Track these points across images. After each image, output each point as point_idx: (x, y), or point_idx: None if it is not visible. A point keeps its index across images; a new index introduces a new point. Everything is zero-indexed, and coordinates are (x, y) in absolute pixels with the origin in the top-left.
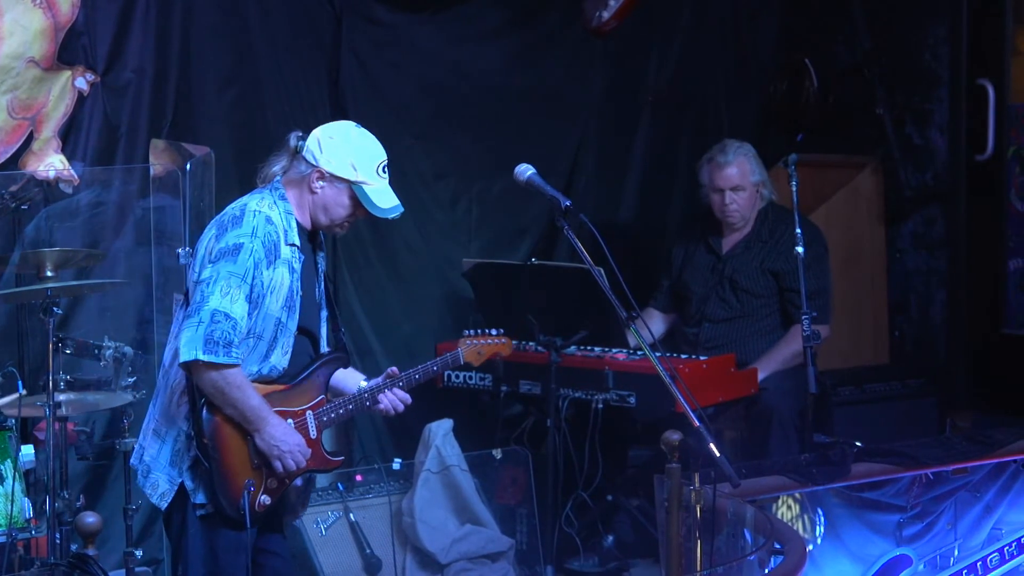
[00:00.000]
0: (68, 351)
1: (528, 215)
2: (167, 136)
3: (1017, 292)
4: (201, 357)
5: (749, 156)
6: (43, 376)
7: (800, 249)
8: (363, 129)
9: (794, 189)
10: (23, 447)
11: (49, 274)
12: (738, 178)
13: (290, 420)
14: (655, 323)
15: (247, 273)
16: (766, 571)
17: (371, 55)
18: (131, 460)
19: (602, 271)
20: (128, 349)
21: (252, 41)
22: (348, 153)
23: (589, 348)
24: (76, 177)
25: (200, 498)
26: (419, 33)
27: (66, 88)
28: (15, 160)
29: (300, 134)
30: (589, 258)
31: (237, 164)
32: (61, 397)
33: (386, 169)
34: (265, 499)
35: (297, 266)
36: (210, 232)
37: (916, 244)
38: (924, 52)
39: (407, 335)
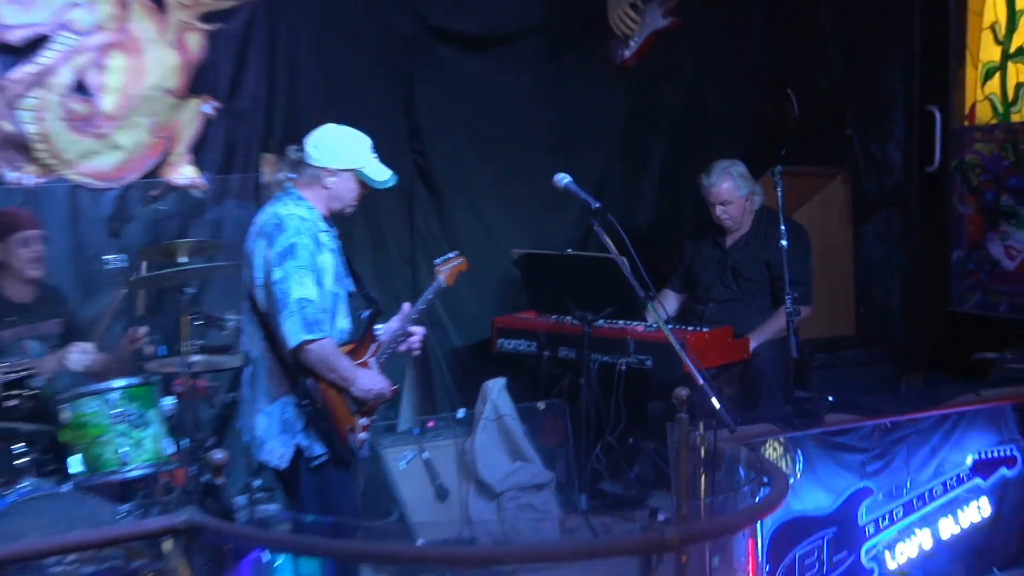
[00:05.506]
0: (199, 322)
1: (566, 215)
2: (275, 151)
3: (959, 278)
4: (306, 337)
5: (733, 175)
6: (179, 342)
7: (784, 243)
8: (344, 126)
9: (779, 194)
10: (165, 398)
11: (183, 260)
12: (724, 195)
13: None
14: (670, 301)
15: (309, 263)
16: (756, 500)
17: (437, 84)
18: (243, 439)
19: (625, 260)
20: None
21: (343, 75)
22: (344, 148)
23: (614, 321)
24: (204, 184)
25: (316, 450)
26: (474, 67)
27: (195, 113)
28: (156, 171)
29: (296, 147)
30: (615, 249)
31: None
32: (194, 358)
33: (374, 149)
34: (363, 435)
35: (334, 246)
36: (260, 242)
37: (878, 239)
38: (884, 83)
39: (471, 311)
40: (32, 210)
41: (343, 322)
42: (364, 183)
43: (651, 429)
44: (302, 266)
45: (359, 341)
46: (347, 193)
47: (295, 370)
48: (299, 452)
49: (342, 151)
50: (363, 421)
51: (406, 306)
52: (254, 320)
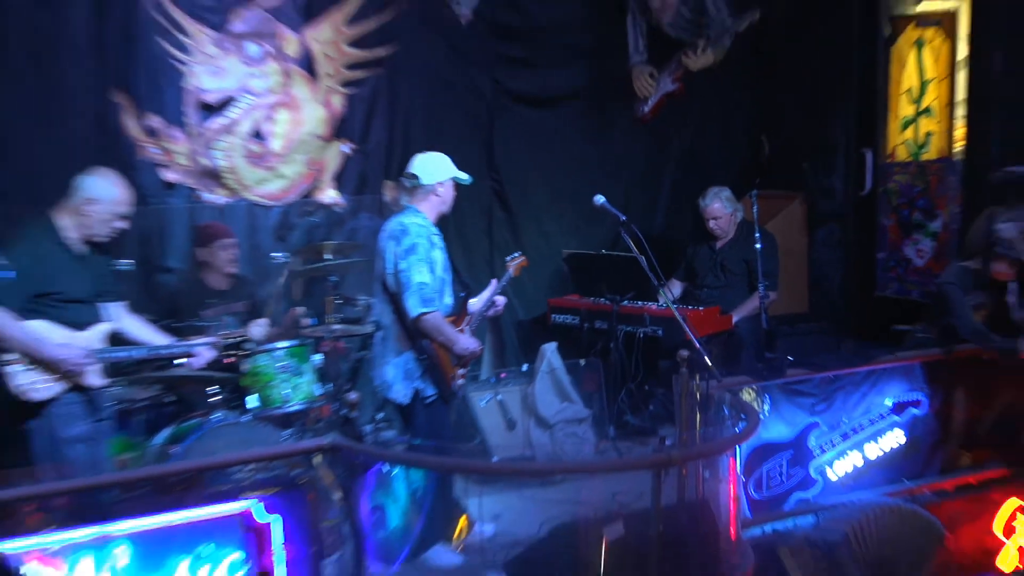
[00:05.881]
0: (339, 302)
1: (601, 225)
2: (393, 179)
3: (883, 272)
4: (423, 310)
5: (722, 198)
6: (325, 316)
7: (758, 246)
8: (430, 152)
9: (755, 212)
10: (315, 355)
11: (328, 257)
12: (715, 213)
13: None
14: (676, 287)
15: (425, 257)
16: (736, 431)
17: (510, 131)
18: (375, 383)
19: (643, 258)
20: (374, 300)
21: (441, 123)
22: (441, 166)
23: (635, 302)
24: (343, 203)
25: (429, 391)
26: (537, 118)
27: (337, 152)
28: (309, 193)
29: (406, 178)
30: (636, 250)
31: None
32: (335, 327)
33: (452, 160)
34: (460, 382)
35: (442, 245)
36: (390, 243)
37: (825, 244)
38: (830, 132)
39: (532, 294)
40: (225, 222)
41: (448, 299)
42: (457, 185)
43: (661, 380)
44: (420, 259)
45: (458, 314)
46: (449, 196)
47: (414, 334)
48: (416, 393)
49: (441, 168)
50: (461, 371)
51: (494, 282)
52: (385, 299)
